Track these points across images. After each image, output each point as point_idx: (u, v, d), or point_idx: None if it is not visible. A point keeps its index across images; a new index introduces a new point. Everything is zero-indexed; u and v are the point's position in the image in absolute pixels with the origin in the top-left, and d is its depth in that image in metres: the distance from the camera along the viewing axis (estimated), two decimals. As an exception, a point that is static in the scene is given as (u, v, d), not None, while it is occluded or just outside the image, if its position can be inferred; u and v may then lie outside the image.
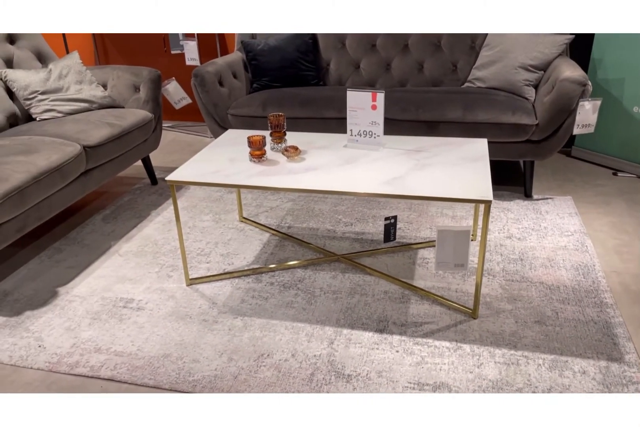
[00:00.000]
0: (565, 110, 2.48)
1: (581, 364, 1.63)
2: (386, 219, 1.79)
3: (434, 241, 2.32)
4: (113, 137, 2.50)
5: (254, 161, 2.02)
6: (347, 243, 2.36)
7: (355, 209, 2.68)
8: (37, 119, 2.65)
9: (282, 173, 1.92)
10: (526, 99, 2.76)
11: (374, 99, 2.05)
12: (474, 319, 1.85)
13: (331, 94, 2.83)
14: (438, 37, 3.08)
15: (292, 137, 2.28)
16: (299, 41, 3.14)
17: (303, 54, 3.13)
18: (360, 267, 2.16)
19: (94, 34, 4.03)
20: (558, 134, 2.56)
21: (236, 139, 2.28)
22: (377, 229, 2.47)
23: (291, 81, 3.13)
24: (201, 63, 3.79)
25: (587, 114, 2.49)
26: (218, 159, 2.06)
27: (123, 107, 2.88)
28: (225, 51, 3.89)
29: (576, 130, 2.51)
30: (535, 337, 1.75)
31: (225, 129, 2.94)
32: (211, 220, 2.62)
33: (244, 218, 2.61)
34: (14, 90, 2.65)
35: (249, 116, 2.84)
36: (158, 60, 4.02)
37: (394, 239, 1.81)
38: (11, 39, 2.84)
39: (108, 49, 4.07)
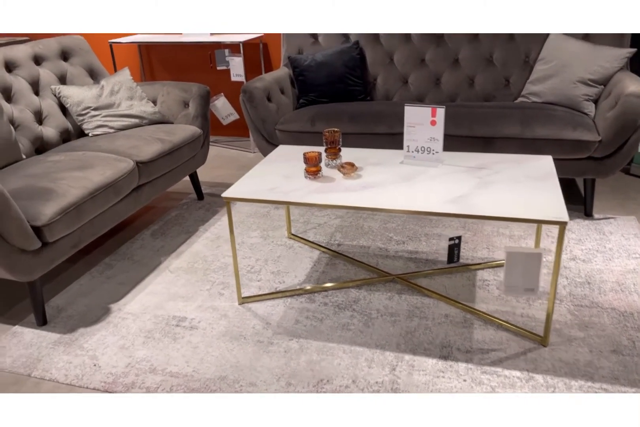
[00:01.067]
0: (630, 127, 2.37)
1: (666, 399, 1.51)
2: (450, 239, 1.71)
3: (494, 261, 2.23)
4: (164, 152, 2.49)
5: (310, 178, 1.97)
6: (401, 262, 2.29)
7: (406, 227, 2.60)
8: (90, 134, 2.67)
9: (339, 190, 1.86)
10: (585, 114, 2.66)
11: (433, 115, 1.99)
12: (544, 346, 1.74)
13: (381, 109, 2.78)
14: (490, 51, 3.01)
15: (345, 153, 2.23)
16: (346, 56, 3.11)
17: (350, 69, 3.10)
18: (417, 289, 2.08)
19: (140, 49, 4.09)
20: (622, 150, 2.45)
21: (288, 155, 2.24)
22: (430, 247, 2.39)
23: (339, 96, 3.10)
24: (246, 79, 3.80)
25: (653, 130, 2.37)
26: (272, 176, 2.02)
27: (172, 123, 2.89)
28: (269, 67, 3.90)
29: (642, 147, 2.39)
30: (612, 368, 1.63)
31: (273, 144, 2.92)
32: (259, 236, 2.58)
33: (293, 235, 2.56)
34: (67, 106, 2.68)
35: (298, 131, 2.81)
36: (203, 76, 4.05)
37: (458, 260, 1.73)
38: (64, 55, 2.89)
39: (154, 64, 4.13)
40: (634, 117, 2.35)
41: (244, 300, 2.06)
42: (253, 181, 1.98)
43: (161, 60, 4.10)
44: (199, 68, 4.04)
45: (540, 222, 1.58)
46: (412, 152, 2.08)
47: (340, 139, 2.05)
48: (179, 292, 2.15)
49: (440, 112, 1.98)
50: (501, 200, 1.70)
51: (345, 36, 3.22)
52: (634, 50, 2.63)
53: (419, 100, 3.15)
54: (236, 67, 3.57)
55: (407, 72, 3.14)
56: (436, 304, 1.99)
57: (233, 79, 3.61)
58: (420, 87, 3.13)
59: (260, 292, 2.12)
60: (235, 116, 3.18)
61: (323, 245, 2.47)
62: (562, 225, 1.56)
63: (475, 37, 3.02)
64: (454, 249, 1.72)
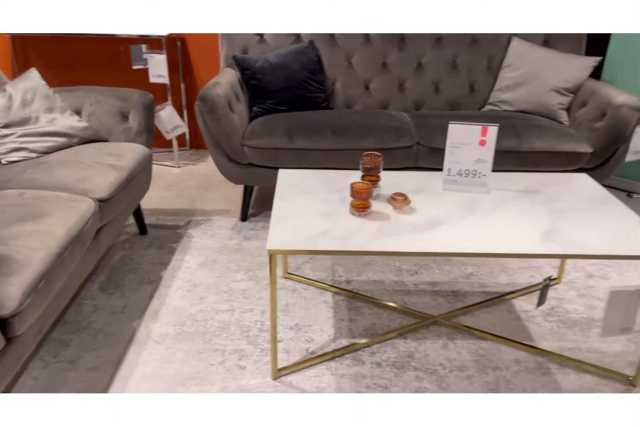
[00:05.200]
0: (620, 137, 2.37)
1: None
2: (544, 280, 1.49)
3: (524, 289, 2.07)
4: (122, 184, 1.91)
5: (357, 215, 1.60)
6: (428, 298, 2.02)
7: (408, 253, 2.34)
8: (2, 161, 1.96)
9: (407, 231, 1.53)
10: (561, 123, 2.63)
11: (483, 134, 1.74)
12: (634, 387, 1.61)
13: (364, 120, 2.47)
14: (454, 55, 2.85)
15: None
16: (304, 58, 2.72)
17: (310, 73, 2.73)
18: (465, 331, 1.83)
19: (12, 40, 3.23)
20: (611, 161, 2.45)
21: (301, 184, 1.84)
22: (448, 276, 2.16)
23: (299, 104, 2.71)
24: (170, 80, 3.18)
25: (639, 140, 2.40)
26: (308, 215, 1.61)
27: (107, 140, 2.26)
28: (188, 67, 3.33)
29: (629, 157, 2.41)
30: None
31: (238, 163, 2.44)
32: (247, 279, 2.13)
33: (289, 273, 2.15)
34: (-41, 121, 1.94)
35: (272, 148, 2.38)
36: (103, 77, 3.33)
37: (544, 302, 1.52)
38: (-60, 51, 2.10)
39: (32, 60, 3.30)
40: (624, 128, 2.35)
41: (279, 373, 1.63)
42: (291, 224, 1.55)
43: (43, 55, 3.29)
44: (96, 66, 3.31)
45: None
46: (454, 175, 1.81)
47: (382, 165, 1.71)
48: (183, 372, 1.63)
49: (492, 130, 1.73)
50: (599, 234, 1.51)
51: (296, 35, 2.83)
52: (599, 58, 2.65)
53: (383, 107, 2.89)
54: (157, 66, 2.97)
55: (368, 76, 2.85)
56: (498, 349, 1.76)
57: (152, 80, 3.00)
58: (384, 93, 2.86)
59: (291, 359, 1.70)
60: (183, 129, 2.63)
61: (330, 283, 2.10)
62: (684, 262, 1.42)
63: (438, 39, 2.84)
64: (546, 290, 1.50)
